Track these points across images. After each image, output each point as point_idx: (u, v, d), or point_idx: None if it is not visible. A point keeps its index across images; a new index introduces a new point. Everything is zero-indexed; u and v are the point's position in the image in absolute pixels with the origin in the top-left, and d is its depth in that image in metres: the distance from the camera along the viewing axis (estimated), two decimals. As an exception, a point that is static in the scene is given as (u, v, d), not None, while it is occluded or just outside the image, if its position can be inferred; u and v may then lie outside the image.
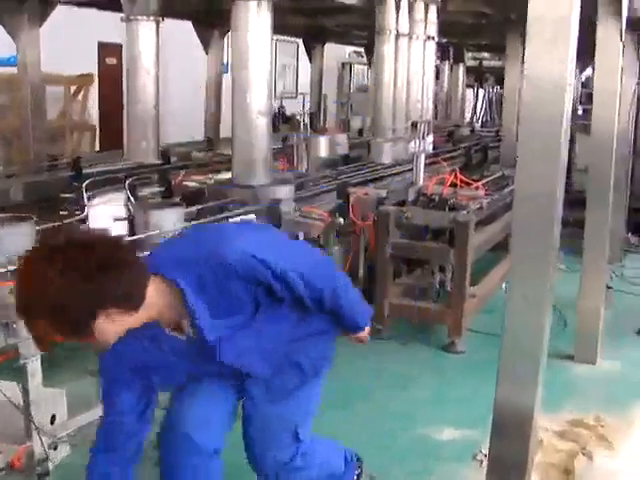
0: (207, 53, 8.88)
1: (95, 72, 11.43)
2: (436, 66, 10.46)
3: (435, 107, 10.93)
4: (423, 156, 5.53)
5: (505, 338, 2.77)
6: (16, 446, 3.16)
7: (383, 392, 4.38)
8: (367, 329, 2.71)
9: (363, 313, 2.66)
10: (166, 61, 11.86)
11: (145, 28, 5.33)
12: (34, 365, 2.99)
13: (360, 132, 10.29)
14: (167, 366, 2.37)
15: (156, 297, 2.07)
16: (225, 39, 8.92)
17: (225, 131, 9.44)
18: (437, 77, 10.73)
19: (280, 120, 17.69)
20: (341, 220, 4.47)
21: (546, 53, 2.61)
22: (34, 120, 6.49)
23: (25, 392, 3.02)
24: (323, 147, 5.82)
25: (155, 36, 5.44)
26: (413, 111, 6.59)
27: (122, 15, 5.33)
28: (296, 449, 2.64)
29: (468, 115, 14.16)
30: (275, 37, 14.58)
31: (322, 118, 10.95)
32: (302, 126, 5.89)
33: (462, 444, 3.74)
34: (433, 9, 6.64)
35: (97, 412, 3.68)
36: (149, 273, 2.05)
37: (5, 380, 3.37)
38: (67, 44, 9.50)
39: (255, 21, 4.20)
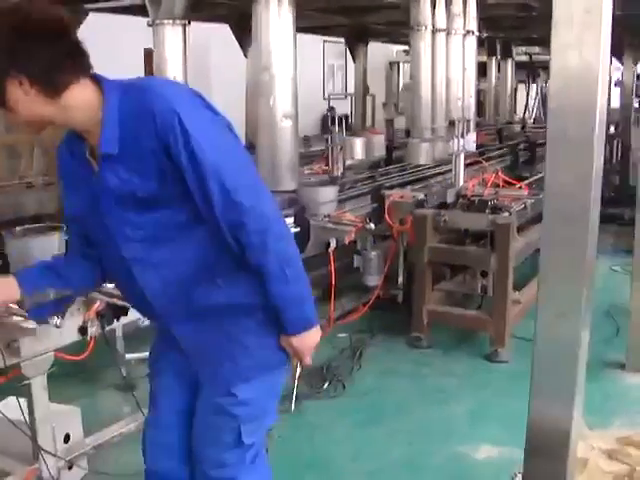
0: (246, 57, 8.75)
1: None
2: (483, 62, 10.19)
3: (482, 104, 10.63)
4: (462, 156, 5.28)
5: (536, 349, 2.56)
6: (27, 467, 3.05)
7: (419, 406, 4.16)
8: (309, 339, 2.11)
9: (304, 302, 2.09)
10: (214, 67, 12.03)
11: (170, 32, 5.19)
12: (38, 384, 2.87)
13: (408, 132, 10.02)
14: (76, 192, 2.12)
15: (83, 99, 1.93)
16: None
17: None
18: (484, 73, 10.42)
19: (329, 121, 17.68)
20: (372, 225, 4.26)
21: (573, 41, 2.38)
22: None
23: (30, 412, 2.90)
24: (359, 149, 5.62)
25: (182, 41, 5.31)
26: (454, 110, 6.32)
27: (148, 19, 5.21)
28: (231, 461, 2.23)
29: (521, 112, 13.73)
30: (322, 38, 14.49)
31: (366, 119, 10.68)
32: (337, 128, 5.67)
33: (499, 464, 3.49)
34: (472, 2, 6.36)
35: (117, 429, 3.60)
36: (81, 67, 1.94)
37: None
38: (113, 52, 9.52)
39: (276, 21, 4.02)
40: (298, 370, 2.32)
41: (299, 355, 2.15)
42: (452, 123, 5.46)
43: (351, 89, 12.83)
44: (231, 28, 8.50)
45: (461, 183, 5.25)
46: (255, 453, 2.27)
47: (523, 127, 10.60)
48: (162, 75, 5.24)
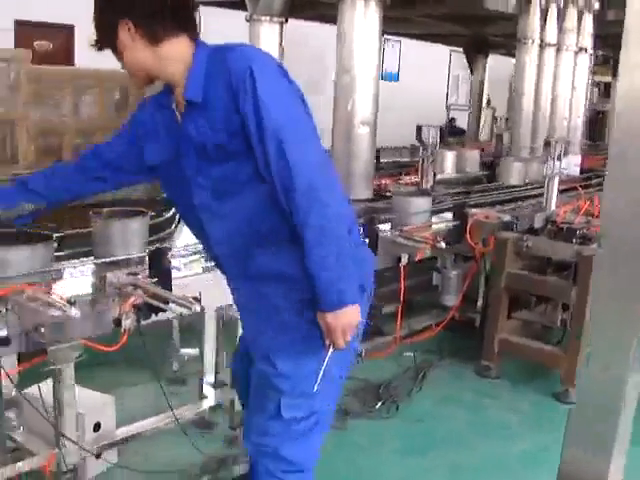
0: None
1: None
2: (607, 82, 9.67)
3: (603, 127, 10.10)
4: (557, 179, 4.95)
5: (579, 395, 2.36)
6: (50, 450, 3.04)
7: (472, 440, 3.91)
8: (344, 318, 2.07)
9: (344, 280, 2.06)
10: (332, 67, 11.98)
11: (267, 29, 5.15)
12: (65, 371, 2.84)
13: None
14: (157, 141, 2.29)
15: (178, 52, 2.12)
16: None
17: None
18: (608, 94, 9.89)
19: (447, 133, 17.30)
20: (443, 245, 4.03)
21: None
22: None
23: (55, 398, 2.88)
24: (449, 163, 5.38)
25: (278, 38, 5.25)
26: (559, 129, 5.98)
27: (246, 14, 5.19)
28: (274, 431, 2.31)
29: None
30: (449, 48, 14.17)
31: (479, 132, 10.35)
32: (429, 140, 5.45)
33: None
34: (588, 18, 5.99)
35: (152, 423, 3.55)
36: (184, 24, 2.14)
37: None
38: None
39: (361, 20, 3.87)
40: (330, 351, 2.16)
41: (331, 335, 2.11)
42: (548, 143, 5.13)
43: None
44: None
45: (552, 208, 4.93)
46: (305, 430, 2.31)
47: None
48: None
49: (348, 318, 2.08)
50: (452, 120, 17.25)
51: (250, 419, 2.42)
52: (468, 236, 4.72)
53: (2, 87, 6.96)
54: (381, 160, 7.94)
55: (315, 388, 2.22)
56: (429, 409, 4.23)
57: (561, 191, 5.21)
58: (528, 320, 4.88)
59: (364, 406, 4.18)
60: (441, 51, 15.45)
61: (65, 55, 12.61)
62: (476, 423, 4.10)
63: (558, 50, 5.80)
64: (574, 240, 4.51)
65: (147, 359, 3.16)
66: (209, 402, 3.77)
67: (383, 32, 9.75)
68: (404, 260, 4.29)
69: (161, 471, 3.33)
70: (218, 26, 9.68)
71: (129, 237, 3.16)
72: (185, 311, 2.74)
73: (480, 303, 5.20)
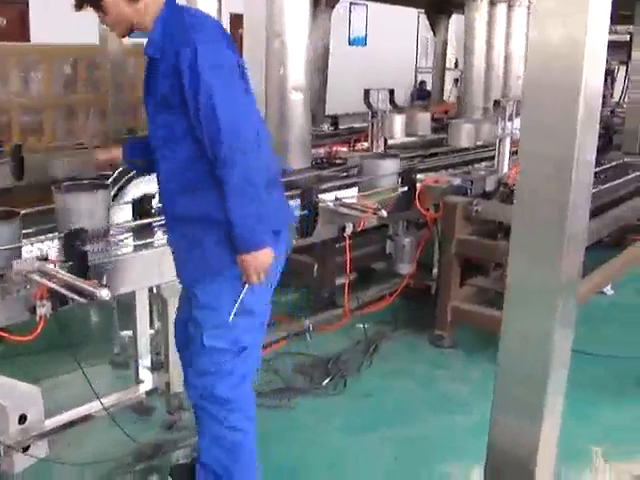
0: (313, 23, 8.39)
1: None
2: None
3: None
4: (509, 140, 4.81)
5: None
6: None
7: (421, 414, 3.79)
8: (259, 259, 2.39)
9: (258, 223, 2.38)
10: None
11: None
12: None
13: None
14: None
15: (152, 8, 2.42)
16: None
17: (332, 108, 9.01)
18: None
19: (416, 96, 17.07)
20: (384, 213, 3.88)
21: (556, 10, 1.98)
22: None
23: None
24: (398, 127, 5.21)
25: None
26: (514, 88, 5.81)
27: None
28: (204, 367, 2.63)
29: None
30: (417, 11, 13.90)
31: (444, 93, 10.18)
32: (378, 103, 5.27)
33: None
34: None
35: (81, 411, 3.41)
36: None
37: None
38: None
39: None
40: (244, 289, 2.48)
41: (246, 272, 2.41)
42: (498, 103, 4.97)
43: (450, 64, 12.33)
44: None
45: (504, 171, 4.79)
46: (232, 366, 2.60)
47: (612, 111, 9.82)
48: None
49: (262, 259, 2.38)
50: (422, 83, 17.06)
51: (187, 368, 2.77)
52: (417, 202, 4.59)
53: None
54: (340, 127, 7.79)
55: (231, 318, 2.49)
56: (378, 383, 4.11)
57: (514, 152, 5.07)
58: (483, 287, 4.75)
59: (311, 383, 4.05)
60: (409, 14, 15.19)
61: (20, 31, 12.25)
62: (426, 396, 3.99)
63: (510, 6, 5.61)
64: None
65: (69, 345, 3.03)
66: (146, 386, 3.64)
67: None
68: (348, 230, 4.14)
69: (93, 462, 3.20)
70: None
71: (91, 210, 3.06)
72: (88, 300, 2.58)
73: (436, 270, 5.07)
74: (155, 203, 3.62)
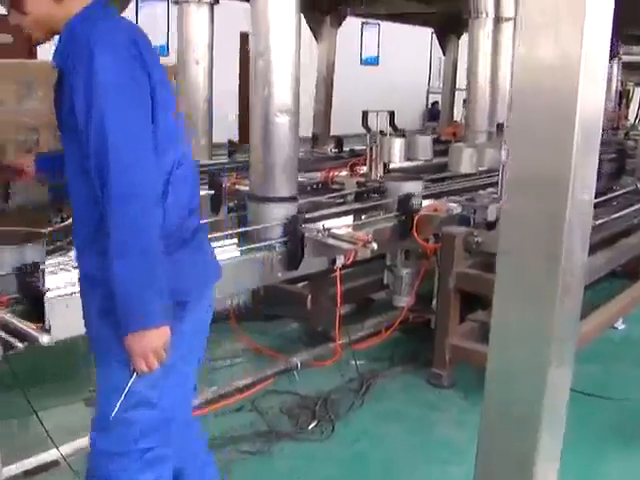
0: (318, 43, 8.21)
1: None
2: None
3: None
4: (513, 167, 4.51)
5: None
6: None
7: (415, 463, 3.48)
8: (147, 341, 1.86)
9: (148, 298, 1.84)
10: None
11: (194, 12, 4.71)
12: None
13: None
14: None
15: (78, 8, 1.96)
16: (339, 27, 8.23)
17: (336, 128, 8.78)
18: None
19: (427, 117, 16.82)
20: (374, 246, 3.62)
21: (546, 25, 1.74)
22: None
23: None
24: (397, 151, 4.94)
25: (208, 23, 4.83)
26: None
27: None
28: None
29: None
30: (431, 30, 13.74)
31: (452, 115, 9.92)
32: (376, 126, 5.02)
33: None
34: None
35: (45, 457, 3.16)
36: None
37: None
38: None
39: (274, -1, 3.43)
40: (132, 378, 1.93)
41: (133, 358, 1.89)
42: (501, 126, 4.70)
43: (461, 84, 12.05)
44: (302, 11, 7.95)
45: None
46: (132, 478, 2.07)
47: (627, 134, 9.52)
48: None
49: (150, 342, 1.86)
50: (435, 104, 16.82)
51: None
52: (415, 232, 4.32)
53: None
54: (344, 148, 7.55)
55: (113, 413, 1.96)
56: (369, 427, 3.81)
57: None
58: (485, 322, 4.45)
59: (296, 426, 3.76)
60: (423, 33, 14.99)
61: (28, 49, 12.13)
62: (419, 442, 3.69)
63: (516, 24, 5.34)
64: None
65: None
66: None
67: (357, 14, 9.39)
68: (339, 262, 3.88)
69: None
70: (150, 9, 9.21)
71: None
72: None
73: (435, 303, 4.78)
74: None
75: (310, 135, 8.22)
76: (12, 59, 9.00)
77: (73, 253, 2.32)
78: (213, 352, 4.98)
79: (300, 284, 4.98)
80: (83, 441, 3.16)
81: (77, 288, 2.64)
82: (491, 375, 2.03)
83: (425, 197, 4.64)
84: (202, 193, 4.75)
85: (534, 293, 1.89)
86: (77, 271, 2.15)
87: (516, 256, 1.89)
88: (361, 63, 16.46)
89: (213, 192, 4.88)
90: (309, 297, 4.91)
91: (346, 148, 7.53)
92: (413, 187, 4.46)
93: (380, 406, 4.05)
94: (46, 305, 2.59)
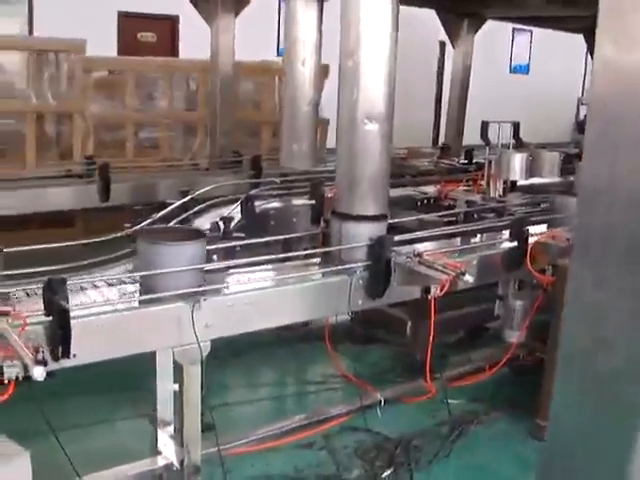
0: (454, 47, 7.71)
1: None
2: None
3: None
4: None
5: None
6: None
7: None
8: None
9: None
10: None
11: (304, 8, 4.39)
12: None
13: None
14: None
15: None
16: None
17: (469, 138, 8.23)
18: None
19: (577, 129, 15.79)
20: (469, 279, 3.14)
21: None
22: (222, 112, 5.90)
23: None
24: (518, 167, 4.38)
25: (317, 19, 4.48)
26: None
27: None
28: None
29: None
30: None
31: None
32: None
33: None
34: None
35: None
36: None
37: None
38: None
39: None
40: None
41: None
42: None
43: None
44: (437, 14, 7.50)
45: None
46: None
47: None
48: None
49: None
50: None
51: None
52: (529, 262, 3.79)
53: (55, 79, 6.60)
54: (473, 160, 7.02)
55: None
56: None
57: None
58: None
59: (367, 472, 3.34)
60: (577, 40, 14.08)
61: (169, 46, 12.34)
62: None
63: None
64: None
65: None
66: (164, 459, 3.09)
67: (501, 18, 8.80)
68: (433, 292, 3.41)
69: None
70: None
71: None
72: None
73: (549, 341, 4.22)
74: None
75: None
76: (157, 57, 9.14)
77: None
78: (299, 375, 4.66)
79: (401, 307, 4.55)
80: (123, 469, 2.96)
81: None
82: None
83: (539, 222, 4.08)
84: (300, 202, 4.44)
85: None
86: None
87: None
88: (510, 71, 15.70)
89: (314, 202, 4.52)
90: (409, 324, 4.47)
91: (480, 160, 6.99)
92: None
93: (469, 458, 3.56)
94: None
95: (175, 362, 2.81)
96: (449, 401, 3.97)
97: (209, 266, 2.92)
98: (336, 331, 4.39)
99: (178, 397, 2.91)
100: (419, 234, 3.65)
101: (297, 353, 4.60)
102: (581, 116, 16.45)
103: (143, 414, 3.58)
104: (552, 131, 13.50)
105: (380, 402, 3.78)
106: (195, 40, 8.51)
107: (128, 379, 3.67)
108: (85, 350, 2.39)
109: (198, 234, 2.97)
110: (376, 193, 3.23)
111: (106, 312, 2.50)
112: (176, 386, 2.97)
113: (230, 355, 4.03)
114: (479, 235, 3.96)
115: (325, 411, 3.72)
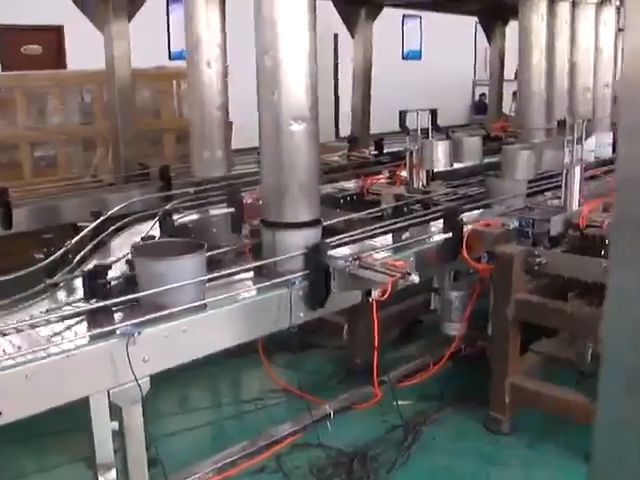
0: (353, 37, 7.58)
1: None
2: None
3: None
4: (578, 170, 3.85)
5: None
6: None
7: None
8: None
9: None
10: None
11: (205, 8, 4.15)
12: None
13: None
14: None
15: None
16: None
17: (378, 126, 8.14)
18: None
19: (474, 111, 16.04)
20: (415, 278, 3.01)
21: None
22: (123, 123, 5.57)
23: None
24: (441, 155, 4.27)
25: (219, 19, 4.26)
26: (582, 104, 4.82)
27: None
28: None
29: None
30: (475, 20, 13.08)
31: (500, 108, 9.21)
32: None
33: None
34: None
35: None
36: None
37: None
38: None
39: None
40: None
41: None
42: (561, 123, 4.01)
43: (509, 74, 11.34)
44: (333, 2, 7.35)
45: (573, 209, 3.83)
46: None
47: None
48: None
49: None
50: (482, 96, 16.03)
51: None
52: (465, 251, 3.68)
53: None
54: (384, 151, 6.90)
55: None
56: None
57: (589, 178, 4.11)
58: (552, 355, 3.79)
59: (329, 489, 3.17)
60: (466, 23, 14.29)
61: (56, 58, 11.80)
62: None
63: (574, 4, 4.64)
64: (602, 251, 3.43)
65: None
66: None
67: (395, 5, 8.76)
68: (374, 294, 3.25)
69: None
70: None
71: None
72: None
73: (490, 332, 4.13)
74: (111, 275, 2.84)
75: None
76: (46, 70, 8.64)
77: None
78: (237, 394, 4.44)
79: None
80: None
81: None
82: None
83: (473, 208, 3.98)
84: (218, 212, 4.19)
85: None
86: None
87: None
88: (403, 58, 15.78)
89: (233, 210, 4.29)
90: (345, 327, 4.31)
91: (391, 149, 6.87)
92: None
93: (428, 460, 3.43)
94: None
95: (112, 404, 2.55)
96: (399, 402, 3.82)
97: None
98: (268, 340, 4.19)
99: (118, 436, 2.65)
100: (353, 235, 3.48)
101: (231, 369, 4.36)
102: (476, 97, 16.73)
103: (78, 458, 3.32)
104: (449, 114, 13.61)
105: (330, 414, 3.61)
106: (83, 50, 8.12)
107: (53, 420, 3.39)
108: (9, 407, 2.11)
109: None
110: (308, 197, 3.04)
111: (32, 360, 2.22)
112: (115, 424, 2.71)
113: (160, 380, 3.77)
114: (412, 229, 3.81)
115: (273, 432, 3.51)
